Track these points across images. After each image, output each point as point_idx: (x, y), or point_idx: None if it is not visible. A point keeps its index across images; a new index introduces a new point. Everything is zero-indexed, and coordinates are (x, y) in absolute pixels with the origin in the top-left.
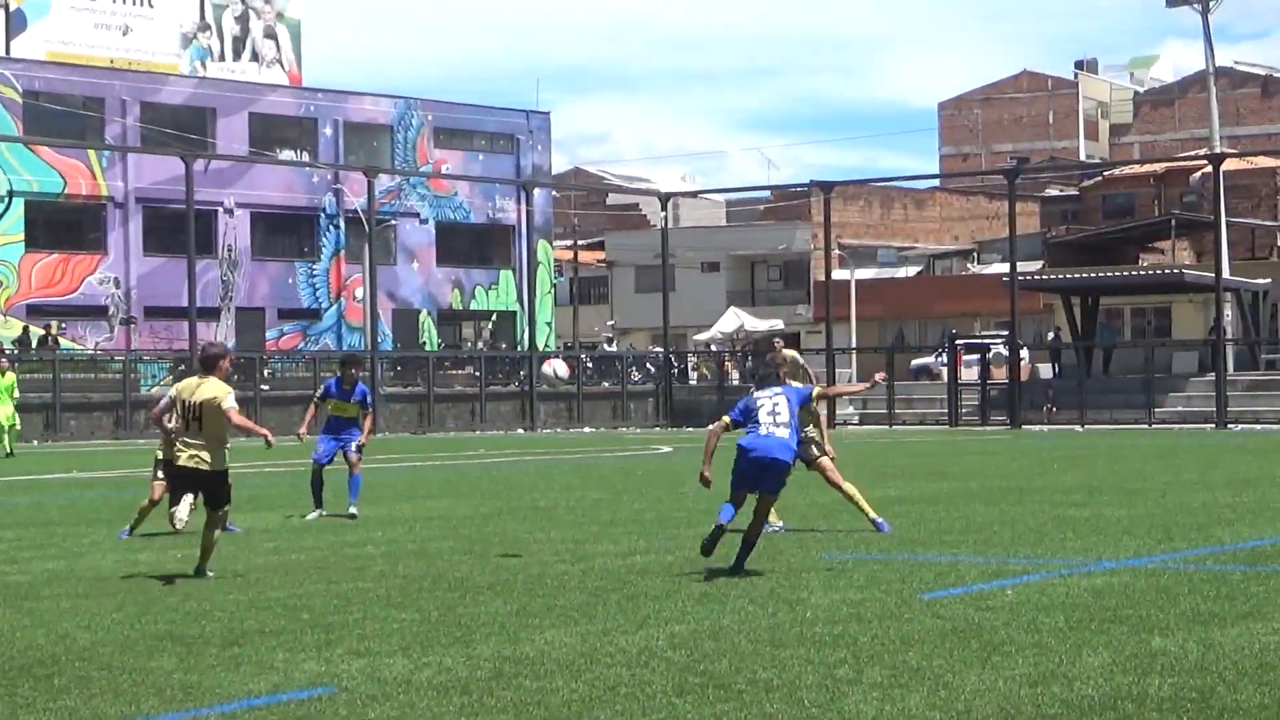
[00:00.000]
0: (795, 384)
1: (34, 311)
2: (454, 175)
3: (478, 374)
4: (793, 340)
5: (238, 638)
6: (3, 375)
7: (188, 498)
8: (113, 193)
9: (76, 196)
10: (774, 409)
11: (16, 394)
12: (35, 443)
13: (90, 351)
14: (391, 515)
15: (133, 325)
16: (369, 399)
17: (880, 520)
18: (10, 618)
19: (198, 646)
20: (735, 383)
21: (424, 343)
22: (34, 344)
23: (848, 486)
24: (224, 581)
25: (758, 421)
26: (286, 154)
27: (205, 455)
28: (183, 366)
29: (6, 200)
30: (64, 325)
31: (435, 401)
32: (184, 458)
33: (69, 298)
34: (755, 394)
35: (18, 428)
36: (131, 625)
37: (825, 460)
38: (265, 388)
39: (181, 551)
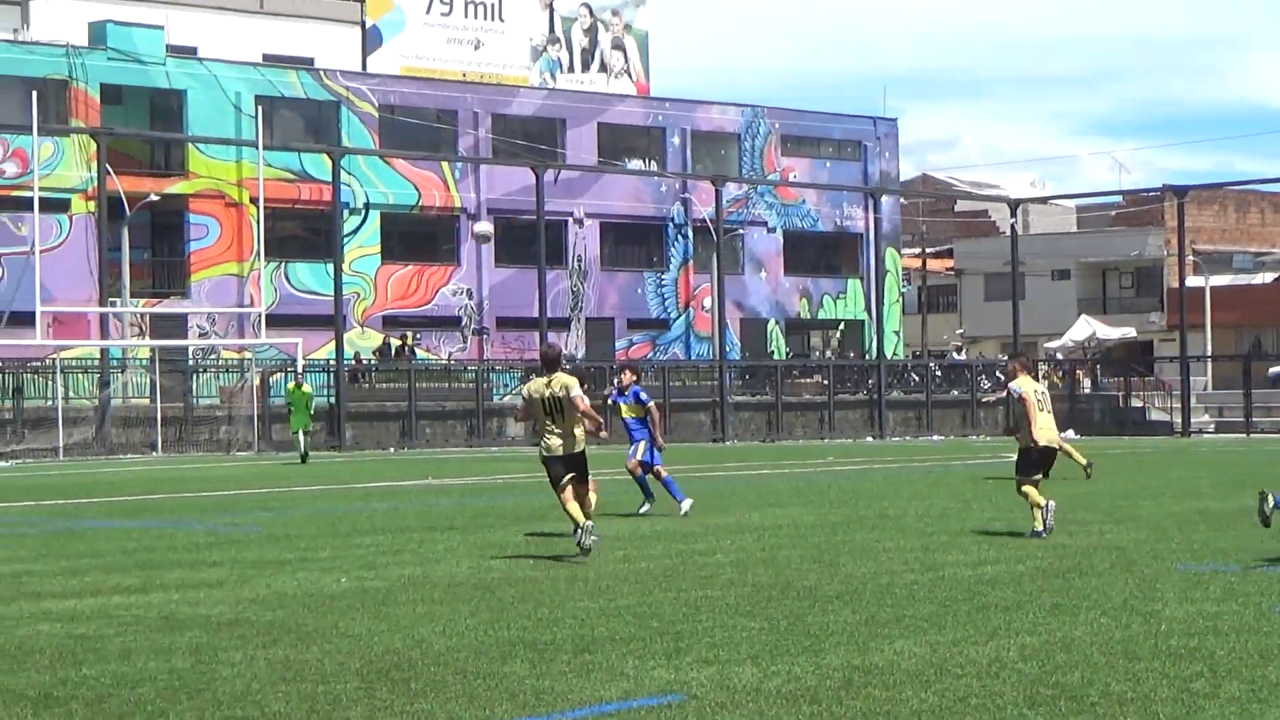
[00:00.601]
0: None
1: (389, 322)
2: (801, 183)
3: (826, 382)
4: (1147, 348)
5: (588, 644)
6: (299, 388)
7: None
8: (465, 204)
9: (430, 208)
10: None
11: (313, 407)
12: (392, 450)
13: (444, 362)
14: (740, 523)
15: (485, 336)
16: (642, 395)
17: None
18: (368, 622)
19: (549, 652)
20: (1086, 391)
21: (772, 351)
22: (392, 353)
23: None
24: (574, 588)
25: None
26: (635, 164)
27: (569, 441)
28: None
29: (363, 213)
30: (419, 336)
31: (783, 410)
32: (554, 446)
33: (423, 309)
34: None
35: (309, 433)
36: (485, 631)
37: None
38: None
39: (533, 559)
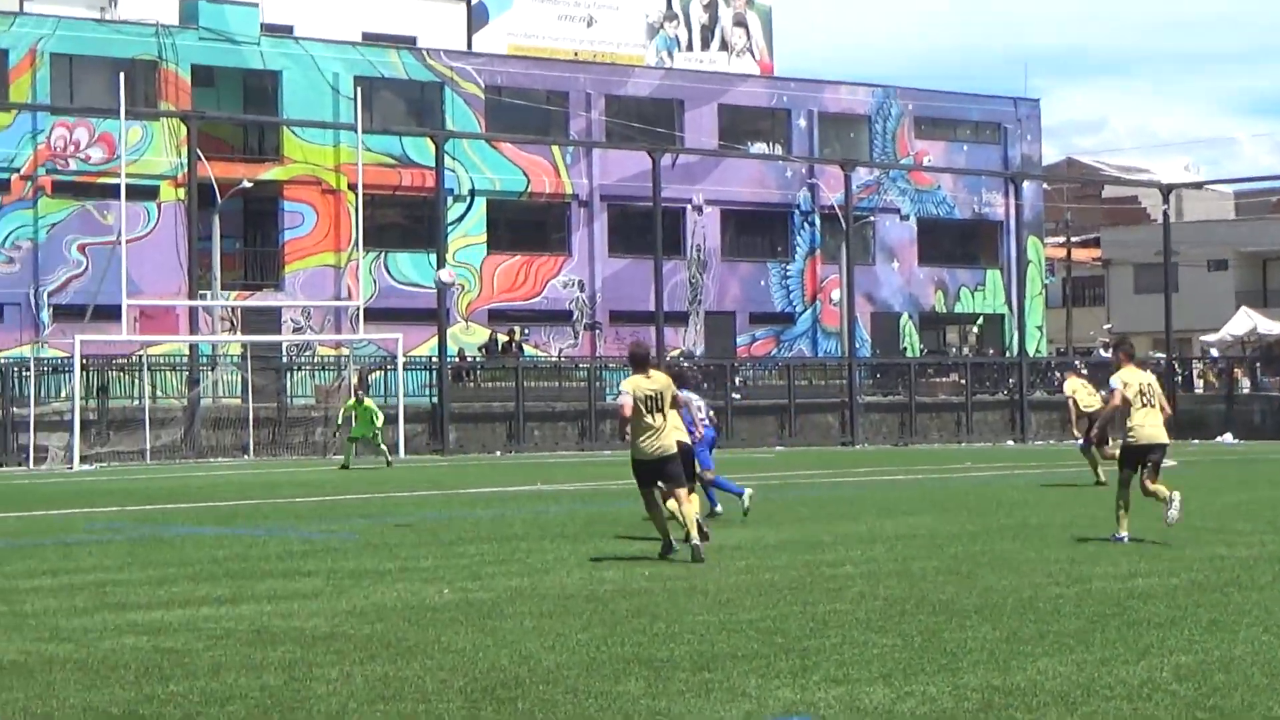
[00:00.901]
0: None
1: (496, 317)
2: (936, 168)
3: (963, 382)
4: None
5: (708, 661)
6: (360, 403)
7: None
8: (577, 190)
9: (539, 195)
10: None
11: (379, 420)
12: (498, 453)
13: (554, 359)
14: (872, 532)
15: (597, 331)
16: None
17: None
18: (473, 636)
19: (666, 670)
20: (1245, 391)
21: (904, 348)
22: (499, 349)
23: None
24: (693, 601)
25: None
26: (758, 147)
27: (669, 440)
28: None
29: (468, 200)
30: (527, 331)
31: (917, 411)
32: (651, 450)
33: (532, 302)
34: None
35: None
36: (598, 647)
37: None
38: (736, 396)
39: (649, 569)
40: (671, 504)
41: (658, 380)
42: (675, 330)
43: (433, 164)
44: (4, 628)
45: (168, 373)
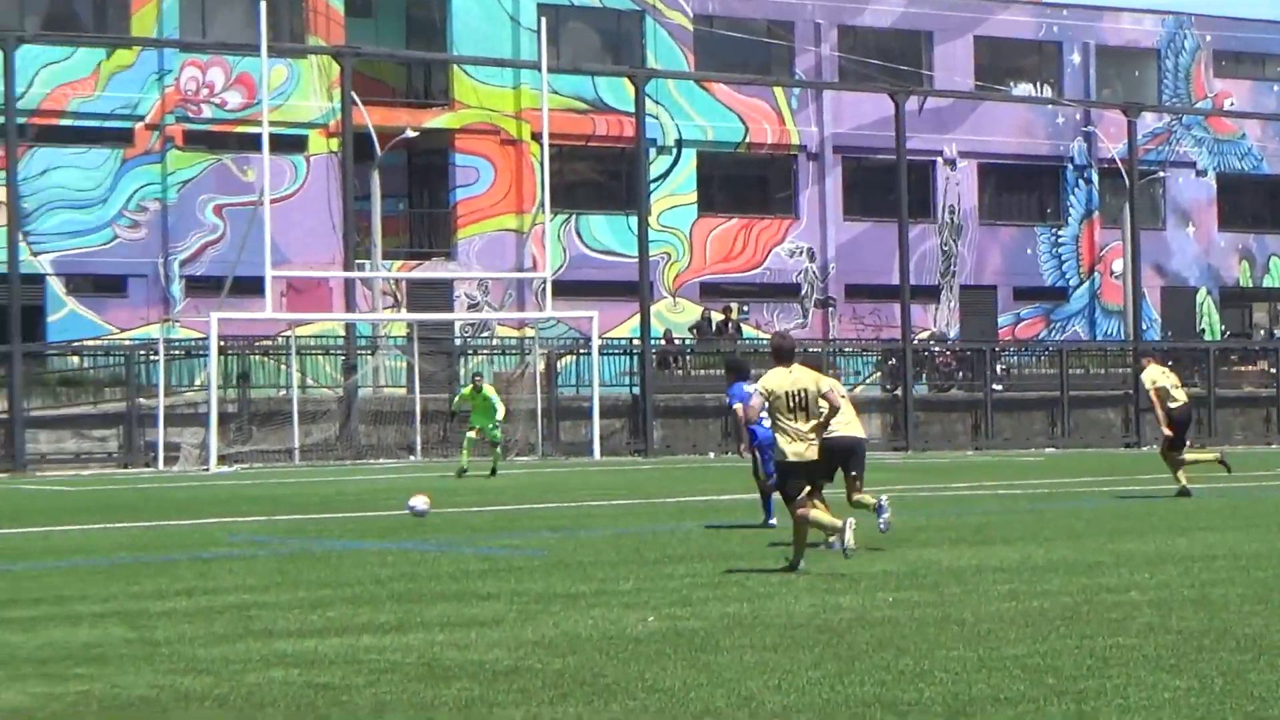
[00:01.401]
0: None
1: (709, 291)
2: (1241, 112)
3: (1274, 371)
4: None
5: (965, 705)
6: (479, 392)
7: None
8: (804, 141)
9: (760, 147)
10: None
11: (500, 413)
12: (711, 455)
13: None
14: (1161, 552)
15: (831, 308)
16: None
17: None
18: (683, 673)
19: (914, 715)
20: None
21: (1202, 330)
22: (712, 330)
23: None
24: (946, 633)
25: None
26: (1023, 88)
27: (811, 446)
28: (893, 360)
29: (675, 152)
30: (746, 308)
31: (1218, 406)
32: (789, 452)
33: (751, 274)
34: None
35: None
36: (832, 686)
37: None
38: (997, 387)
39: (892, 594)
40: (808, 510)
41: (802, 376)
42: (923, 308)
43: (632, 109)
44: (133, 657)
45: (319, 357)
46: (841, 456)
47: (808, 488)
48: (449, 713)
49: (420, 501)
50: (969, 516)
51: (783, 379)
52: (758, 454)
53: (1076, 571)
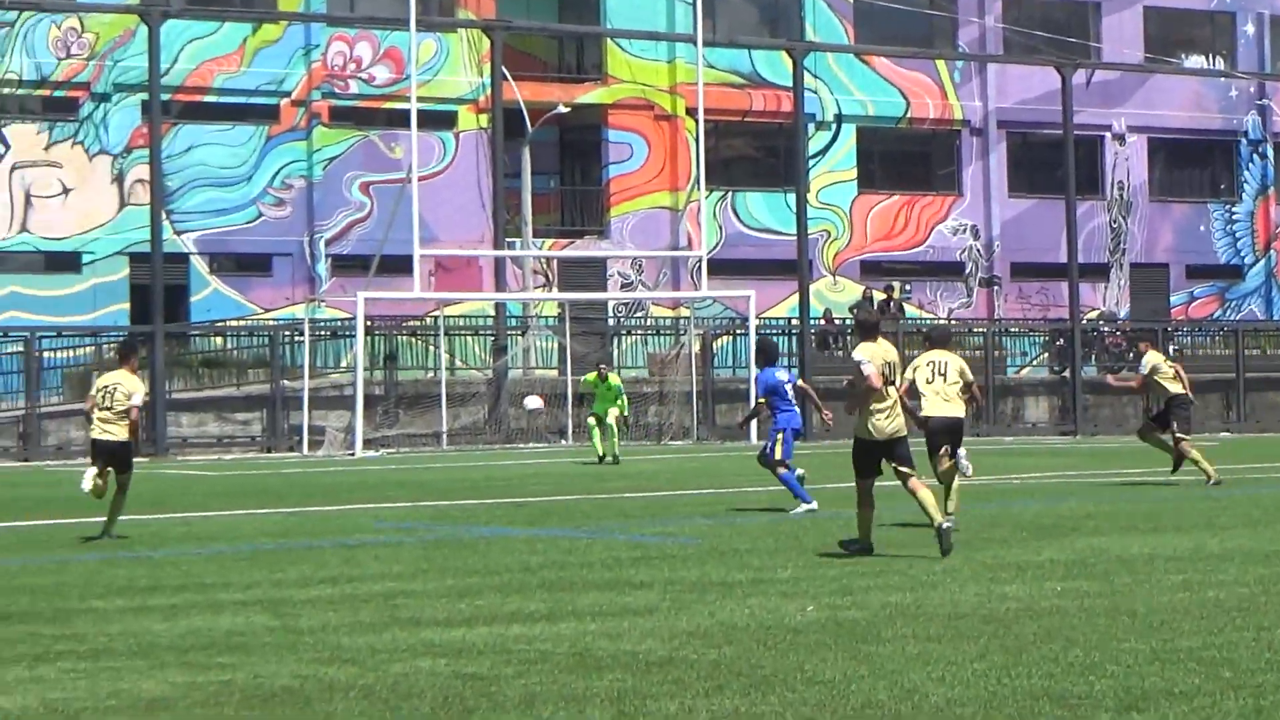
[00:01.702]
0: None
1: (869, 270)
2: None
3: None
4: None
5: (1137, 699)
6: (604, 380)
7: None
8: (968, 115)
9: (922, 122)
10: None
11: (624, 402)
12: None
13: (940, 322)
14: None
15: (996, 287)
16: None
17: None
18: (844, 664)
19: (1084, 709)
20: None
21: None
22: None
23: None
24: (1117, 624)
25: None
26: (1194, 60)
27: (895, 422)
28: (1060, 341)
29: (834, 128)
30: (908, 287)
31: None
32: (886, 428)
33: (913, 252)
34: None
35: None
36: (998, 678)
37: None
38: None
39: (1060, 584)
40: (920, 490)
41: (889, 350)
42: (1092, 287)
43: (790, 84)
44: (276, 646)
45: (469, 338)
46: (900, 443)
47: (887, 461)
48: (601, 705)
49: (533, 401)
50: (1140, 503)
51: (877, 351)
52: (782, 437)
53: (1253, 561)
